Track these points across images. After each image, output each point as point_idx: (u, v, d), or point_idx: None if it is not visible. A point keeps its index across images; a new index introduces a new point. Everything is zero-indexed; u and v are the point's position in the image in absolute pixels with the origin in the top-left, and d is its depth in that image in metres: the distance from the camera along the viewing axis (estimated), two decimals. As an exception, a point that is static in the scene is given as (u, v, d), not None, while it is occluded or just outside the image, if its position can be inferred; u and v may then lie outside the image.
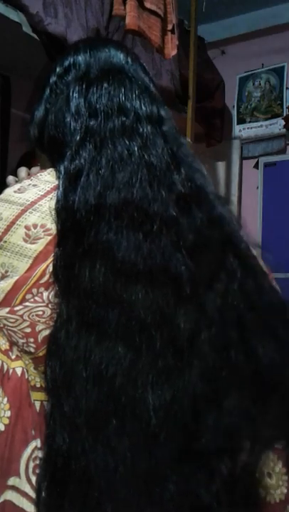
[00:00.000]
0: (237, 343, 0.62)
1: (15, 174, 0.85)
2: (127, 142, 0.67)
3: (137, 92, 0.72)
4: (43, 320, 0.62)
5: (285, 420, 0.64)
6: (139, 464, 0.56)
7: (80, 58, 0.75)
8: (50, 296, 0.62)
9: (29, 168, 0.85)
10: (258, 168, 2.87)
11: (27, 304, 0.62)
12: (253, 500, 0.63)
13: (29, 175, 0.81)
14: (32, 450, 0.61)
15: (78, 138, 0.68)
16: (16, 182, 0.77)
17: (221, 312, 0.62)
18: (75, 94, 0.72)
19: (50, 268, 0.62)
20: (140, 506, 0.57)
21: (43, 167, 0.76)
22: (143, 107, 0.71)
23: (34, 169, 0.84)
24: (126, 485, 0.56)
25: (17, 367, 0.63)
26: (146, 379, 0.58)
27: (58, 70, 0.76)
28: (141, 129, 0.69)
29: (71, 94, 0.72)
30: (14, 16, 1.49)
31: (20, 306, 0.62)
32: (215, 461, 0.59)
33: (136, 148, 0.67)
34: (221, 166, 2.98)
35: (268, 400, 0.62)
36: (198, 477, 0.58)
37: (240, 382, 0.61)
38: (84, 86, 0.72)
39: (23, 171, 0.83)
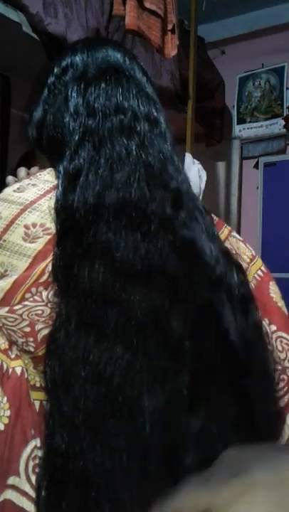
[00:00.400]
0: (227, 347, 0.63)
1: (15, 174, 0.85)
2: (125, 141, 0.68)
3: (134, 91, 0.73)
4: (43, 319, 0.62)
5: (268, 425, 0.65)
6: (134, 464, 0.57)
7: (78, 58, 0.75)
8: (49, 296, 0.62)
9: (29, 168, 0.85)
10: (258, 168, 2.87)
11: (26, 303, 0.62)
12: None
13: (28, 175, 0.81)
14: (32, 449, 0.61)
15: (77, 138, 0.68)
16: (16, 182, 0.77)
17: (212, 315, 0.63)
18: (74, 94, 0.72)
19: (50, 267, 0.63)
20: (138, 507, 0.57)
21: (42, 167, 0.76)
22: (141, 106, 0.72)
23: (34, 169, 0.84)
24: (124, 485, 0.56)
25: (16, 366, 0.63)
26: (142, 380, 0.58)
27: (55, 70, 0.76)
28: (138, 128, 0.69)
29: (69, 94, 0.72)
30: (14, 16, 1.49)
31: (20, 306, 0.62)
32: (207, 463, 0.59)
33: (134, 147, 0.67)
34: (221, 166, 2.98)
35: (252, 407, 0.63)
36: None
37: (227, 388, 0.62)
38: (82, 86, 0.72)
39: (22, 170, 0.83)
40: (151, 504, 0.55)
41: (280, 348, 0.73)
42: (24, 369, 0.63)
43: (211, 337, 0.63)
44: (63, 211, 0.64)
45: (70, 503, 0.56)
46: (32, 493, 0.59)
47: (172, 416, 0.58)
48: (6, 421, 0.60)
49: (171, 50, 1.79)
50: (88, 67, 0.74)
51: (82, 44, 0.79)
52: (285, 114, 2.79)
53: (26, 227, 0.65)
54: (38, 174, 0.72)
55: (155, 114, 0.73)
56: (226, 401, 0.61)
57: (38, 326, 0.62)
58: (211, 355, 0.62)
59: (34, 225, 0.65)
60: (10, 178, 0.82)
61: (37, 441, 0.61)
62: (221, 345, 0.63)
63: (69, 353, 0.59)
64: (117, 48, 0.78)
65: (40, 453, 0.60)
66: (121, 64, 0.75)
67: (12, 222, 0.65)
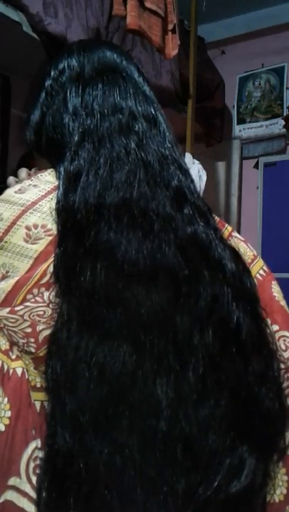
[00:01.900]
0: (234, 342, 0.64)
1: (15, 175, 0.85)
2: (124, 140, 0.68)
3: (131, 91, 0.73)
4: (44, 320, 0.62)
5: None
6: (147, 463, 0.57)
7: (74, 60, 0.76)
8: (51, 296, 0.62)
9: (29, 168, 0.85)
10: (258, 168, 2.87)
11: (28, 303, 0.62)
12: (259, 496, 0.64)
13: (29, 175, 0.81)
14: (32, 450, 0.61)
15: (77, 138, 0.69)
16: (17, 183, 0.77)
17: (212, 311, 0.63)
18: (73, 95, 0.72)
19: (51, 268, 0.63)
20: (148, 505, 0.57)
21: (42, 168, 0.76)
22: (138, 105, 0.72)
23: (33, 170, 0.84)
24: (134, 483, 0.57)
25: (17, 367, 0.63)
26: (152, 378, 0.59)
27: (52, 73, 0.76)
28: (136, 127, 0.70)
29: (68, 94, 0.73)
30: (14, 15, 1.49)
31: (21, 306, 0.62)
32: (219, 460, 0.59)
33: (133, 146, 0.68)
34: (221, 166, 2.98)
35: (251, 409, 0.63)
36: (203, 477, 0.59)
37: (233, 382, 0.62)
38: (80, 87, 0.73)
39: (23, 171, 0.83)
40: (168, 498, 0.56)
41: (283, 347, 0.73)
42: (25, 370, 0.63)
43: (218, 332, 0.63)
44: (64, 212, 0.64)
45: (75, 502, 0.56)
46: (33, 493, 0.59)
47: (184, 410, 0.59)
48: (7, 422, 0.60)
49: (172, 50, 1.79)
50: (85, 68, 0.74)
51: (78, 46, 0.79)
52: (285, 114, 2.79)
53: (28, 228, 0.65)
54: (39, 175, 0.72)
55: (153, 113, 0.74)
56: (232, 395, 0.62)
57: (40, 327, 0.62)
58: (219, 351, 0.62)
59: (35, 226, 0.65)
60: (11, 179, 0.82)
61: (38, 442, 0.61)
62: (229, 340, 0.63)
63: (71, 353, 0.59)
64: (113, 48, 0.79)
65: (40, 454, 0.60)
66: (118, 64, 0.76)
67: (13, 223, 0.65)
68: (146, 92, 0.76)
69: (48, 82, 0.76)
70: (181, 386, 0.59)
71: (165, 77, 2.06)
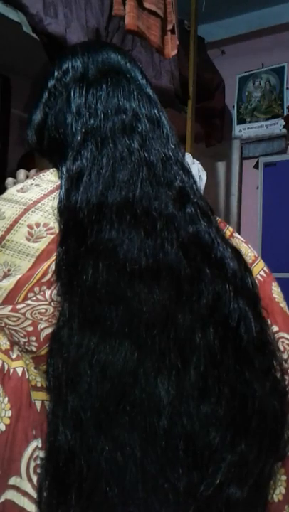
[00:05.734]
0: (235, 340, 0.64)
1: (14, 175, 0.85)
2: (127, 141, 0.68)
3: (135, 92, 0.73)
4: (46, 318, 0.62)
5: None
6: (148, 460, 0.57)
7: (78, 61, 0.76)
8: (52, 295, 0.62)
9: (28, 169, 0.85)
10: (258, 168, 2.87)
11: (29, 302, 0.62)
12: (260, 494, 0.64)
13: (27, 177, 0.81)
14: (33, 450, 0.61)
15: (79, 138, 0.69)
16: (15, 183, 0.77)
17: (214, 309, 0.63)
18: (76, 95, 0.72)
19: (53, 267, 0.63)
20: (149, 502, 0.57)
21: (41, 169, 0.76)
22: (142, 107, 0.72)
23: (33, 171, 0.85)
24: (135, 481, 0.57)
25: (18, 367, 0.63)
26: (153, 376, 0.59)
27: (56, 73, 0.77)
28: (140, 128, 0.70)
29: (72, 95, 0.73)
30: (14, 16, 1.49)
31: (23, 304, 0.62)
32: (219, 457, 0.60)
33: (136, 146, 0.68)
34: (221, 166, 2.98)
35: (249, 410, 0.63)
36: (204, 475, 0.59)
37: (234, 379, 0.62)
38: (84, 87, 0.73)
39: (21, 172, 0.83)
40: (170, 495, 0.56)
41: (281, 348, 0.73)
42: (25, 369, 0.63)
43: (220, 330, 0.63)
44: (66, 211, 0.64)
45: (77, 499, 0.56)
46: (33, 493, 0.59)
47: (186, 408, 0.59)
48: (8, 421, 0.60)
49: (171, 50, 1.78)
50: (89, 69, 0.75)
51: (81, 47, 0.79)
52: (285, 114, 2.79)
53: (30, 226, 0.65)
54: (41, 174, 0.72)
55: (157, 114, 0.74)
56: (233, 393, 0.62)
57: (41, 325, 0.62)
58: (220, 348, 0.62)
59: (37, 225, 0.65)
60: (9, 180, 0.83)
61: (38, 442, 0.61)
62: (230, 339, 0.63)
63: (73, 352, 0.59)
64: (117, 50, 0.79)
65: (41, 453, 0.60)
66: (122, 66, 0.76)
67: (16, 221, 0.66)
68: (149, 94, 0.76)
69: (51, 83, 0.76)
70: (183, 384, 0.60)
71: (165, 77, 2.06)
